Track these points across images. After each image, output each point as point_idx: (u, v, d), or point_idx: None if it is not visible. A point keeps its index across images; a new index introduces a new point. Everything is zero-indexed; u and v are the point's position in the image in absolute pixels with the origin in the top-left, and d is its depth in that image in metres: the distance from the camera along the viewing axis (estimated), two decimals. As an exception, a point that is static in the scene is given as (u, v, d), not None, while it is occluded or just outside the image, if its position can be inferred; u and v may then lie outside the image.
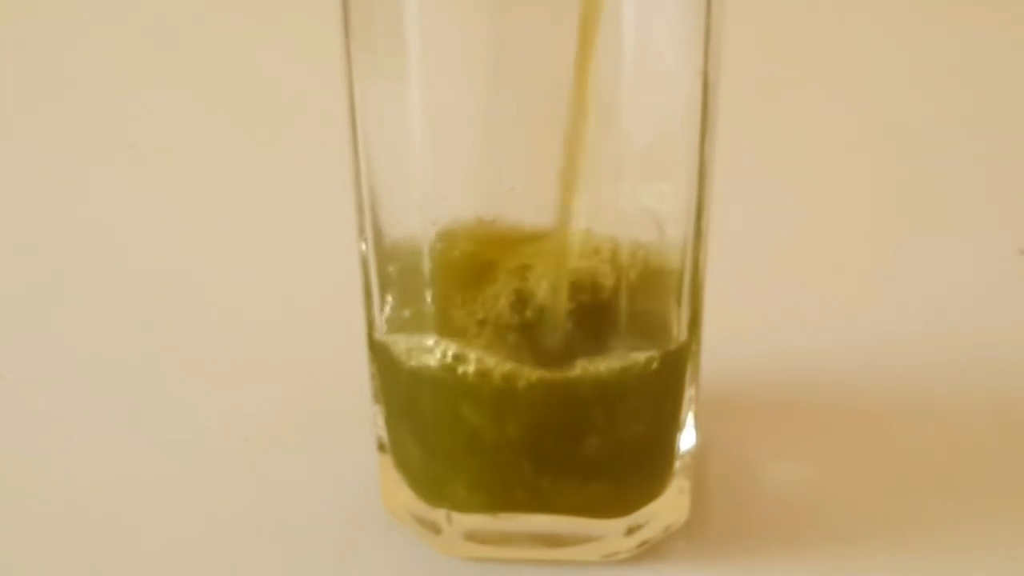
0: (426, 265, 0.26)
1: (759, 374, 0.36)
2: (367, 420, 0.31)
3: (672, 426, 0.29)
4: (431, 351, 0.27)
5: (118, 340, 0.39)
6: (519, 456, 0.28)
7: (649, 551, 0.29)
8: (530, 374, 0.26)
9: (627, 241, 0.26)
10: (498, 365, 0.26)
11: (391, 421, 0.29)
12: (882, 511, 0.31)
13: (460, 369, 0.27)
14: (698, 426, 0.30)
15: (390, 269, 0.28)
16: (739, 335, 0.35)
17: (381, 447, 0.30)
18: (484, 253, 0.27)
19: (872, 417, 0.35)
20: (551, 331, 0.26)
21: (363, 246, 0.28)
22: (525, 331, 0.26)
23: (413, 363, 0.27)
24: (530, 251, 0.27)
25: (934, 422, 0.34)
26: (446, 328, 0.27)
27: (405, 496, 0.30)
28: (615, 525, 0.29)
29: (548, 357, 0.26)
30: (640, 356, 0.27)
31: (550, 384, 0.26)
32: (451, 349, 0.27)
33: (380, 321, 0.28)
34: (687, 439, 0.30)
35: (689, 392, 0.29)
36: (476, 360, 0.26)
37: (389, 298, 0.28)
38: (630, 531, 0.29)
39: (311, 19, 0.39)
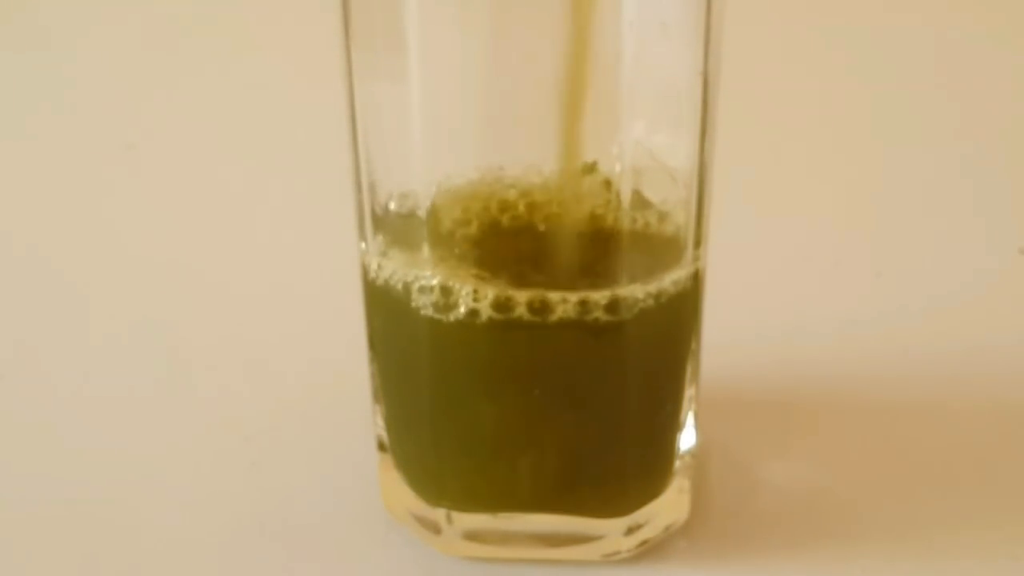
0: (425, 252, 0.26)
1: (759, 374, 0.36)
2: (367, 420, 0.31)
3: (672, 426, 0.29)
4: (432, 290, 0.26)
5: (118, 340, 0.39)
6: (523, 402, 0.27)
7: (649, 551, 0.29)
8: (530, 303, 0.26)
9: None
10: (502, 295, 0.26)
11: (390, 418, 0.29)
12: (882, 511, 0.31)
13: (460, 305, 0.26)
14: (698, 426, 0.30)
15: (390, 266, 0.28)
16: (739, 335, 0.35)
17: (381, 447, 0.30)
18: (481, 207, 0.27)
19: (872, 417, 0.35)
20: (556, 257, 0.26)
21: (363, 245, 0.28)
22: (526, 260, 0.26)
23: (413, 305, 0.27)
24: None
25: (934, 422, 0.34)
26: (442, 264, 0.26)
27: (405, 496, 0.30)
28: (615, 525, 0.29)
29: (550, 286, 0.26)
30: (642, 290, 0.26)
31: (553, 324, 0.26)
32: (451, 283, 0.26)
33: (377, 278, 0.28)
34: (687, 439, 0.30)
35: (689, 392, 0.29)
36: (478, 294, 0.26)
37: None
38: (630, 531, 0.29)
39: (311, 19, 0.39)
